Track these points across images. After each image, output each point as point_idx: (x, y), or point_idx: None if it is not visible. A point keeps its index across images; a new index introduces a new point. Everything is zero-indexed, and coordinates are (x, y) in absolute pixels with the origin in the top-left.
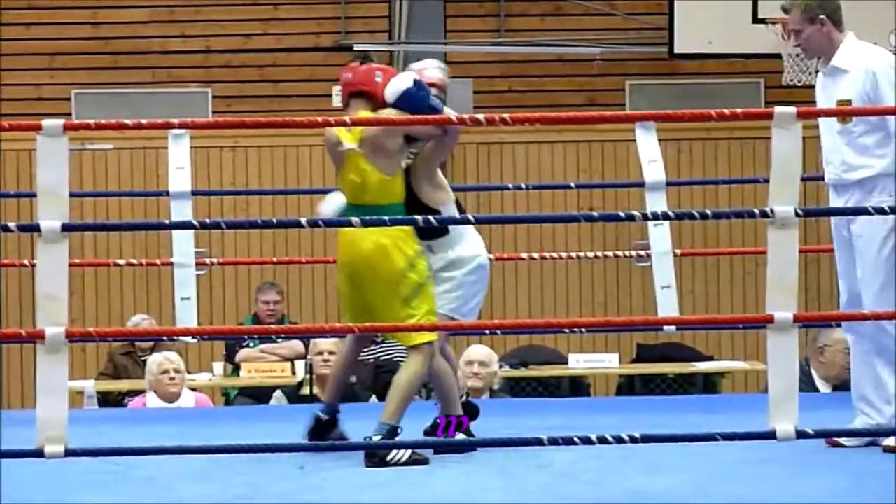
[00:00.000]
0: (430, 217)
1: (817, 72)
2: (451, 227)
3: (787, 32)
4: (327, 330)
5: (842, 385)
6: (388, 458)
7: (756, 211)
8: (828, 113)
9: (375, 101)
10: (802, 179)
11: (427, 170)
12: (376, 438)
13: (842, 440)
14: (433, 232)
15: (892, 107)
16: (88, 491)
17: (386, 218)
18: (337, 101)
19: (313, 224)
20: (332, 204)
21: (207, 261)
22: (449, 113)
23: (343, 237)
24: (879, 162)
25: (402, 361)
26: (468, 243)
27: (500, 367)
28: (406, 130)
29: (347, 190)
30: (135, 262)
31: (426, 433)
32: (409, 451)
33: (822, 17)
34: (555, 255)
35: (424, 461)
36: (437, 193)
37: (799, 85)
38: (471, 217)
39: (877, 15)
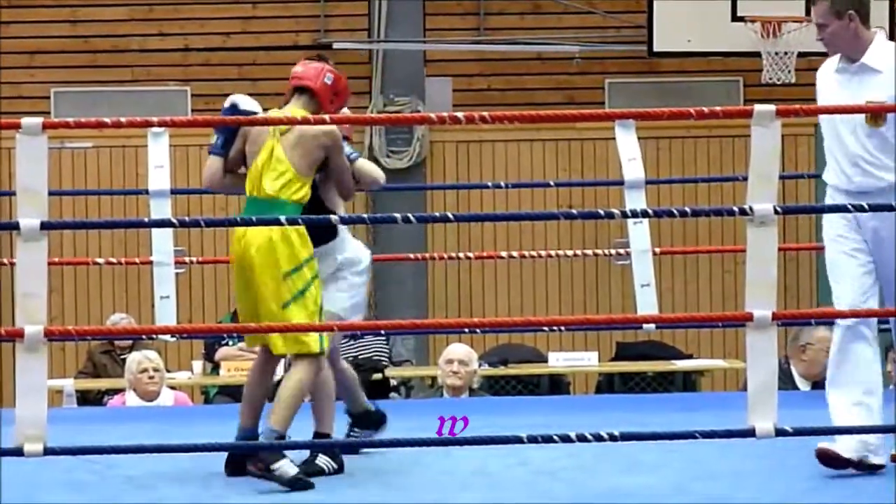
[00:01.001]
0: (410, 215)
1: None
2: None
3: (812, 24)
4: (306, 328)
5: (822, 383)
6: (273, 467)
7: (735, 209)
8: (806, 111)
9: (318, 102)
10: (781, 177)
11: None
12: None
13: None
14: (325, 236)
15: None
16: (67, 490)
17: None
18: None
19: (292, 222)
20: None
21: (186, 259)
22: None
23: (236, 231)
24: None
25: (381, 360)
26: (352, 245)
27: (480, 365)
28: (336, 156)
29: (252, 178)
30: (114, 260)
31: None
32: (294, 470)
33: (850, 12)
34: (534, 253)
35: (309, 486)
36: (335, 195)
37: (778, 83)
38: (450, 215)
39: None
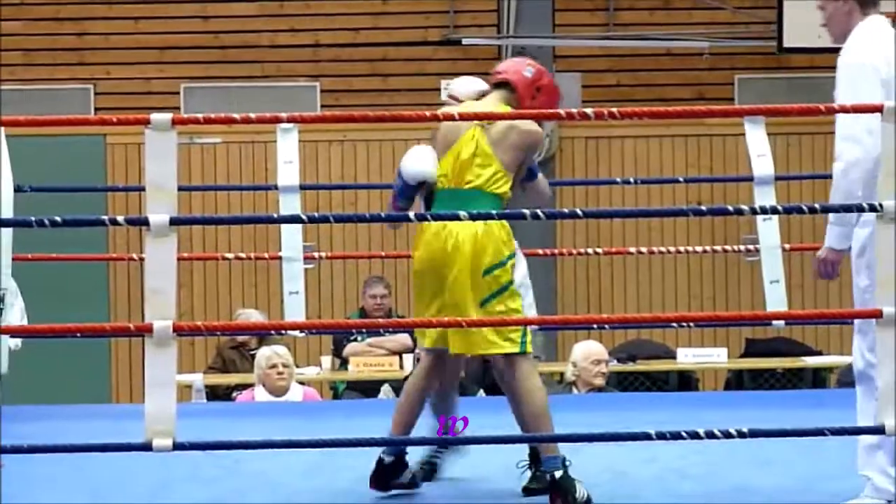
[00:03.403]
0: (539, 211)
1: None
2: None
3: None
4: (434, 324)
5: None
6: (578, 495)
7: (865, 205)
8: None
9: (518, 95)
10: None
11: None
12: (558, 474)
13: None
14: None
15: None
16: (196, 485)
17: (494, 212)
18: (444, 95)
19: (421, 218)
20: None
21: (315, 255)
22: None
23: (429, 226)
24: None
25: None
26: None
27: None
28: (529, 162)
29: (450, 170)
30: (243, 255)
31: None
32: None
33: None
34: (663, 249)
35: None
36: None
37: None
38: (579, 211)
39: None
